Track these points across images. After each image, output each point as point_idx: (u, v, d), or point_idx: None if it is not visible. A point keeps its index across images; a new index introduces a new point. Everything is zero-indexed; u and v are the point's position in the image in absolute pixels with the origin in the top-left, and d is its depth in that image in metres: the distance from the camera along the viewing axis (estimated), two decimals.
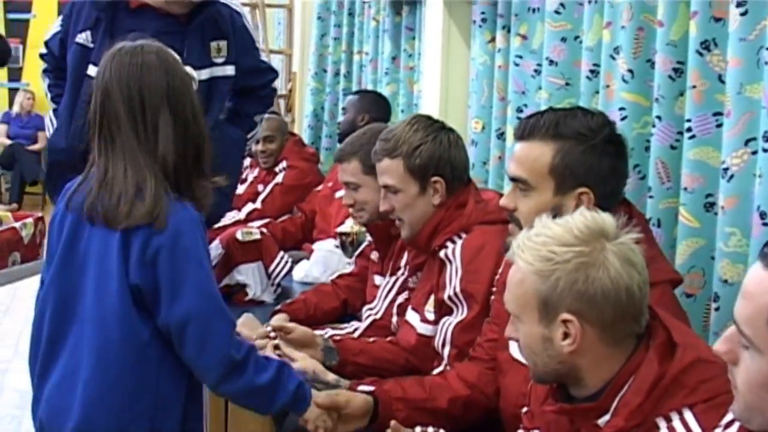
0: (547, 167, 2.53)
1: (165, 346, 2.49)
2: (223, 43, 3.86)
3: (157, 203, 2.45)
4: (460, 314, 3.00)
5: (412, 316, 3.24)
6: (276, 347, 3.20)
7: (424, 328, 3.16)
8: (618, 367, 2.08)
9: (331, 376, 3.14)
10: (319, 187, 5.45)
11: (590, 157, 2.52)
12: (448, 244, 3.06)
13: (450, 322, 3.01)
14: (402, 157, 3.15)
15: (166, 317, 2.45)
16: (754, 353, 1.63)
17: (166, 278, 2.43)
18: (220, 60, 3.86)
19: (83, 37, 3.86)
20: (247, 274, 4.32)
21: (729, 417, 1.87)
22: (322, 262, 4.56)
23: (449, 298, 2.99)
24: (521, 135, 2.61)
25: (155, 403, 2.50)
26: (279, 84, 8.35)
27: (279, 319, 3.63)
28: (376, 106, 5.30)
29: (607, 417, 2.07)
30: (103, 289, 2.47)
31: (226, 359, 2.46)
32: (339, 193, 5.09)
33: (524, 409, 2.45)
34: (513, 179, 2.62)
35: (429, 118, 3.31)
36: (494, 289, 2.92)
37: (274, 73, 4.18)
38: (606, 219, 2.11)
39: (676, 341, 2.06)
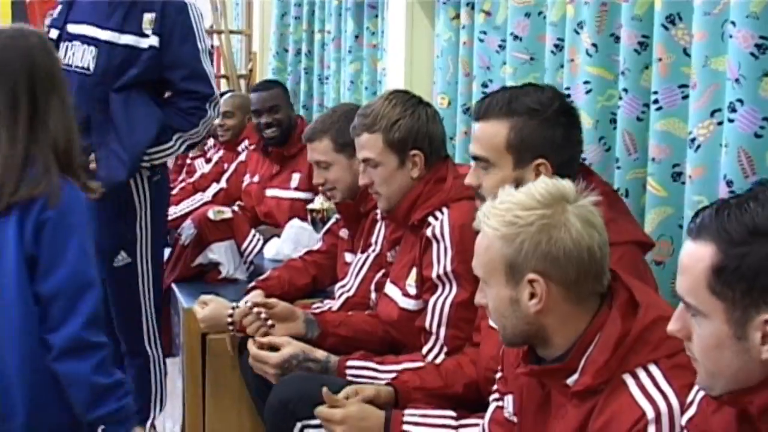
0: (504, 144, 2.65)
1: None
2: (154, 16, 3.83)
3: (50, 180, 2.50)
4: (449, 292, 3.04)
5: (392, 290, 3.28)
6: (267, 322, 3.33)
7: (405, 302, 3.20)
8: (583, 327, 2.16)
9: (319, 353, 3.20)
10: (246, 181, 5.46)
11: (544, 129, 2.63)
12: (431, 220, 3.10)
13: (442, 301, 3.04)
14: (381, 131, 3.21)
15: (38, 290, 2.48)
16: (701, 320, 1.75)
17: (46, 252, 2.48)
18: (147, 31, 3.83)
19: None
20: (220, 253, 4.34)
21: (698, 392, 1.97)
22: (293, 239, 4.58)
23: (438, 276, 3.03)
24: (477, 115, 2.72)
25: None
26: (238, 64, 8.38)
27: (256, 296, 3.68)
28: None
29: (575, 376, 2.15)
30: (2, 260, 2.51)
31: (76, 337, 2.47)
32: (270, 192, 5.18)
33: (498, 375, 2.52)
34: (474, 158, 2.72)
35: (406, 92, 3.36)
36: None
37: (209, 89, 3.95)
38: (566, 184, 2.20)
39: (638, 300, 2.15)
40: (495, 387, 2.54)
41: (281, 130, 5.11)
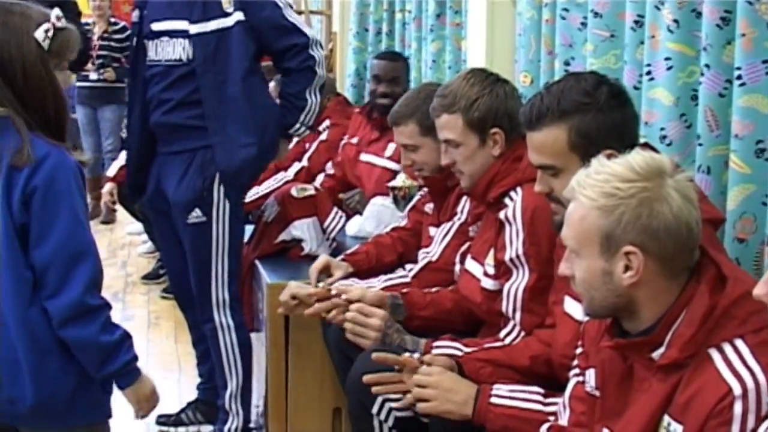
0: (566, 146, 2.67)
1: None
2: None
3: (32, 148, 2.52)
4: (522, 277, 3.05)
5: (473, 266, 3.30)
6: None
7: (486, 282, 3.23)
8: (671, 301, 2.17)
9: (407, 338, 3.24)
10: (345, 140, 5.53)
11: (601, 119, 2.65)
12: (507, 201, 3.13)
13: (516, 287, 3.06)
14: (461, 111, 3.23)
15: (32, 258, 2.50)
16: None
17: (36, 220, 2.49)
18: (229, 9, 3.98)
19: None
20: (303, 230, 4.39)
21: None
22: (376, 217, 4.61)
23: (511, 260, 3.06)
24: (531, 126, 2.72)
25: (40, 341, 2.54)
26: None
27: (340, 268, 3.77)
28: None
29: (661, 350, 2.16)
30: None
31: (78, 303, 2.50)
32: (364, 156, 5.21)
33: (578, 350, 2.53)
34: (540, 167, 2.73)
35: (484, 71, 3.38)
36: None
37: (303, 37, 4.13)
38: (662, 158, 2.21)
39: (725, 274, 2.15)
40: (575, 363, 2.56)
41: (394, 102, 5.15)
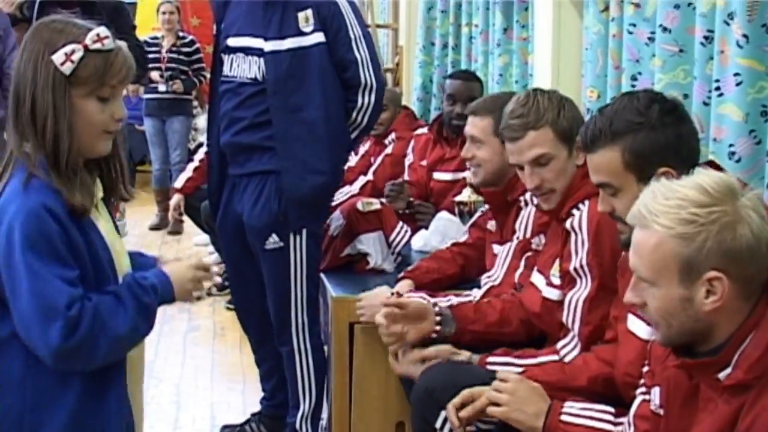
0: (622, 166, 2.67)
1: None
2: (309, 12, 3.96)
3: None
4: (584, 287, 3.03)
5: (537, 279, 3.29)
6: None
7: (549, 292, 3.21)
8: (741, 321, 2.13)
9: (463, 355, 3.24)
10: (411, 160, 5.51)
11: (653, 138, 2.64)
12: (574, 212, 3.12)
13: (576, 297, 3.05)
14: (549, 124, 3.22)
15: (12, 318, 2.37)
16: None
17: (5, 278, 2.35)
18: (306, 28, 3.96)
19: None
20: (368, 244, 4.40)
21: None
22: (441, 231, 4.61)
23: (575, 270, 3.04)
24: (587, 148, 2.74)
25: (23, 399, 2.42)
26: (385, 58, 8.45)
27: (404, 286, 3.74)
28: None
29: (728, 371, 2.12)
30: None
31: (65, 352, 2.33)
32: (438, 175, 5.20)
33: (645, 369, 2.51)
34: (599, 186, 2.74)
35: (537, 89, 3.41)
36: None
37: (357, 78, 4.07)
38: (730, 177, 2.19)
39: None
40: (642, 381, 2.54)
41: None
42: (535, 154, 3.22)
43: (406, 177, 5.38)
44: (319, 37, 3.96)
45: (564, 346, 3.08)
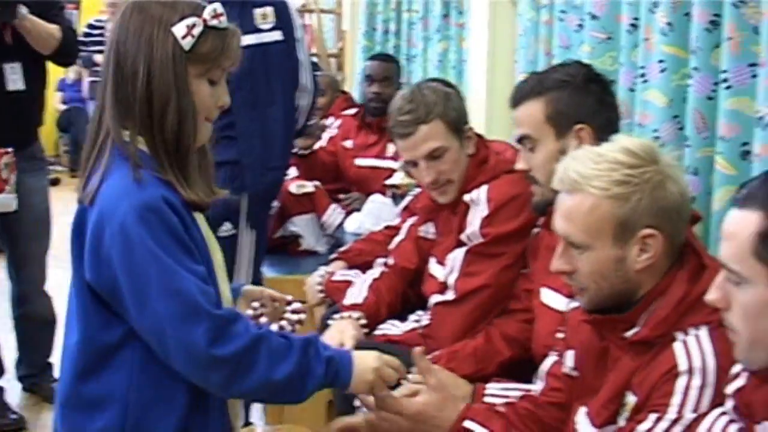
0: (543, 118, 2.78)
1: (138, 351, 2.16)
2: (268, 9, 3.95)
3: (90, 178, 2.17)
4: (468, 248, 3.15)
5: (436, 269, 3.35)
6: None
7: (439, 272, 3.31)
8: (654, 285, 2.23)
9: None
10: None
11: (576, 97, 2.78)
12: (472, 192, 3.19)
13: (456, 253, 3.15)
14: (438, 116, 3.23)
15: (135, 323, 2.12)
16: (746, 287, 1.78)
17: (125, 281, 2.08)
18: (264, 26, 3.94)
19: None
20: (301, 226, 4.47)
21: (736, 368, 2.00)
22: (375, 214, 4.66)
23: (467, 237, 3.13)
24: (514, 102, 2.85)
25: (124, 415, 2.17)
26: (329, 43, 8.45)
27: (336, 266, 3.78)
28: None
29: (636, 329, 2.22)
30: (72, 285, 2.23)
31: (209, 360, 2.08)
32: (360, 161, 5.23)
33: (560, 335, 2.58)
34: (519, 140, 2.84)
35: (432, 80, 3.50)
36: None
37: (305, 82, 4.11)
38: (645, 140, 2.36)
39: (706, 263, 2.21)
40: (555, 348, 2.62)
41: (386, 104, 5.17)
42: (429, 148, 3.22)
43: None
44: (277, 35, 3.95)
45: (442, 298, 3.20)
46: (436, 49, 5.46)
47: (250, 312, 2.55)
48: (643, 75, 3.08)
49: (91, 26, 9.33)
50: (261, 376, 2.12)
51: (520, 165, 2.85)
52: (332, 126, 5.80)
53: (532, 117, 2.80)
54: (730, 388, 2.00)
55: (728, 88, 2.70)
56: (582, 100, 2.77)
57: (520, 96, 2.84)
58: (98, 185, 2.13)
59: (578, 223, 2.23)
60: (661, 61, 3.01)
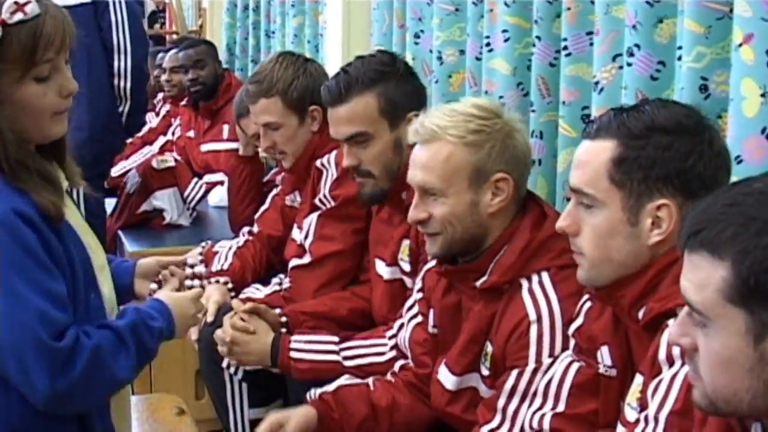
0: (377, 112, 2.94)
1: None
2: None
3: None
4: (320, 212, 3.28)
5: (295, 233, 3.47)
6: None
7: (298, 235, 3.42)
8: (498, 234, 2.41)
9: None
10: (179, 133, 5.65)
11: (403, 86, 2.99)
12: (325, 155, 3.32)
13: (312, 217, 3.29)
14: (279, 94, 3.39)
15: None
16: (596, 210, 1.96)
17: None
18: None
19: None
20: (164, 200, 4.50)
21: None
22: None
23: (319, 200, 3.27)
24: (339, 99, 2.97)
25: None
26: (189, 21, 8.46)
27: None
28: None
29: (485, 278, 2.38)
30: None
31: (46, 392, 1.97)
32: (205, 147, 5.31)
33: (419, 296, 2.71)
34: (349, 138, 2.95)
35: (293, 53, 3.60)
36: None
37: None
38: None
39: (547, 213, 2.40)
40: (416, 310, 2.74)
41: (205, 86, 5.27)
42: (263, 120, 3.45)
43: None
44: None
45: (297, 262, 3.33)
46: (291, 23, 5.51)
47: (154, 286, 2.51)
48: (488, 45, 3.20)
49: None
50: (108, 381, 2.07)
51: (347, 162, 2.96)
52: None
53: (366, 112, 2.92)
54: (570, 329, 2.16)
55: (568, 55, 2.83)
56: (408, 88, 2.97)
57: (346, 90, 2.93)
58: None
59: (436, 170, 2.40)
60: (504, 31, 3.13)
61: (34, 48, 1.93)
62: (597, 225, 1.97)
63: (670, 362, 1.79)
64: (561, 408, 2.17)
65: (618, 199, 1.95)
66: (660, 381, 1.79)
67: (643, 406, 1.85)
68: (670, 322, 1.73)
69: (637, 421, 1.83)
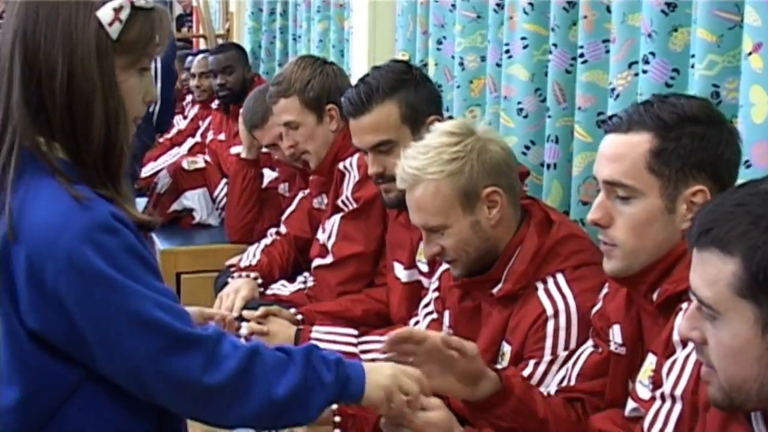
0: (399, 119, 3.00)
1: (93, 396, 1.84)
2: None
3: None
4: (344, 212, 3.36)
5: (320, 234, 3.56)
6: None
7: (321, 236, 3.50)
8: (514, 232, 2.51)
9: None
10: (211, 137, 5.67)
11: (421, 91, 3.04)
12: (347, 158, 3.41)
13: (334, 220, 3.37)
14: (296, 93, 3.50)
15: (103, 367, 1.79)
16: (634, 200, 2.06)
17: (86, 323, 1.73)
18: None
19: None
20: (193, 200, 4.61)
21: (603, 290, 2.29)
22: None
23: (342, 202, 3.35)
24: (361, 109, 3.00)
25: None
26: (216, 24, 8.53)
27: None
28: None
29: (500, 285, 2.48)
30: None
31: (202, 391, 1.80)
32: (235, 149, 5.32)
33: (435, 295, 2.82)
34: (375, 147, 3.00)
35: (312, 56, 3.72)
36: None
37: None
38: (460, 118, 2.80)
39: (552, 219, 2.50)
40: (431, 308, 2.84)
41: (232, 93, 5.35)
42: (284, 119, 3.54)
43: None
44: None
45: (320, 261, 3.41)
46: (316, 28, 5.60)
47: None
48: (508, 51, 3.29)
49: None
50: (261, 396, 1.85)
51: (372, 170, 3.02)
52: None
53: (389, 120, 2.98)
54: (592, 313, 2.29)
55: (584, 62, 2.93)
56: (425, 93, 3.04)
57: (367, 100, 2.98)
58: (16, 212, 1.74)
59: (429, 209, 2.49)
60: (523, 38, 3.23)
61: (150, 38, 1.84)
62: (635, 214, 2.07)
63: (684, 343, 1.88)
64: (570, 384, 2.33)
65: (657, 188, 2.04)
66: (674, 361, 1.89)
67: (656, 383, 1.96)
68: (684, 305, 1.87)
69: (652, 398, 1.93)
